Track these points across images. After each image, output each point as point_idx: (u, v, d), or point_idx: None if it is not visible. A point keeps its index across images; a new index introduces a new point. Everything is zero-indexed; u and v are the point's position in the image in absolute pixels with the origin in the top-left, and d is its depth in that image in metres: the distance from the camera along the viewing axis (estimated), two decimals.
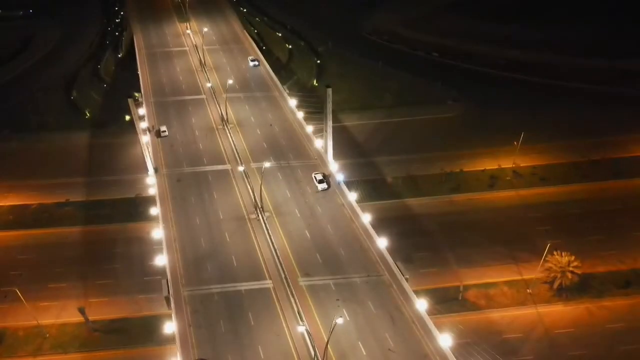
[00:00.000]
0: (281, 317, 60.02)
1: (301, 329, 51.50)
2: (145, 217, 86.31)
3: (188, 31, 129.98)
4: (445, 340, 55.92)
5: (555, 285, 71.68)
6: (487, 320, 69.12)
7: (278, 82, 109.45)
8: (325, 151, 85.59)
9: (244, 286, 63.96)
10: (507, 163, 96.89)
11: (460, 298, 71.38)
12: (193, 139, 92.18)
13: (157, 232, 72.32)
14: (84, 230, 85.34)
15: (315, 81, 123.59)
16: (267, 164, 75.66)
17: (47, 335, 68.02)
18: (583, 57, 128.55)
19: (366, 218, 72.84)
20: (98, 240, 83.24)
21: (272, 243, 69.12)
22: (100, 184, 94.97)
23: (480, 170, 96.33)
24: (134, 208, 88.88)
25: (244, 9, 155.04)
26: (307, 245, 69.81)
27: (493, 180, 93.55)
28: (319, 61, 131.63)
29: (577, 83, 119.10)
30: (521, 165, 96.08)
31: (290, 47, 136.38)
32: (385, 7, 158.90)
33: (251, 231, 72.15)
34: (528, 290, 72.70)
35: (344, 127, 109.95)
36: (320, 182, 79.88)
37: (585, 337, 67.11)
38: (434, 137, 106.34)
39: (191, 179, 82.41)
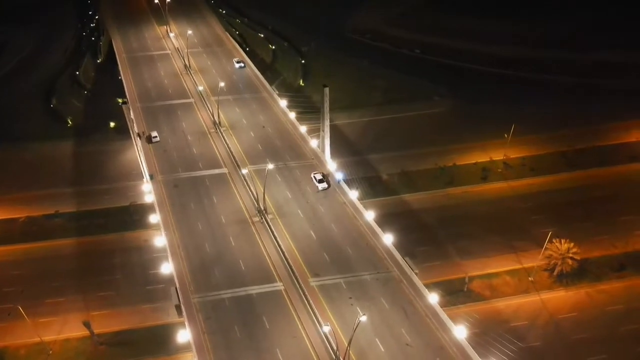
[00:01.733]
0: (296, 318, 59.77)
1: (326, 329, 51.43)
2: (142, 225, 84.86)
3: (172, 34, 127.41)
4: (459, 331, 56.93)
5: (556, 272, 73.85)
6: (493, 309, 70.66)
7: (267, 83, 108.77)
8: (323, 150, 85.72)
9: (254, 290, 63.39)
10: (497, 155, 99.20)
11: (465, 289, 72.71)
12: (186, 144, 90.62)
13: (160, 240, 70.91)
14: (78, 241, 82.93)
15: (301, 81, 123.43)
16: (270, 166, 75.09)
17: (51, 351, 65.88)
18: (564, 51, 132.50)
19: (369, 215, 73.37)
20: (94, 251, 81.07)
21: (279, 245, 68.83)
22: (90, 193, 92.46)
23: (472, 164, 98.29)
24: (129, 216, 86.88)
25: (222, 11, 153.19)
26: (313, 246, 69.71)
27: (485, 173, 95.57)
28: (303, 61, 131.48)
29: (559, 76, 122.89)
30: (511, 156, 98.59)
31: (273, 47, 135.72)
32: (366, 6, 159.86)
33: (256, 234, 71.54)
34: (530, 279, 74.67)
35: (335, 126, 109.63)
36: (320, 181, 79.87)
37: (588, 320, 69.45)
38: (424, 133, 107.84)
39: (188, 184, 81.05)
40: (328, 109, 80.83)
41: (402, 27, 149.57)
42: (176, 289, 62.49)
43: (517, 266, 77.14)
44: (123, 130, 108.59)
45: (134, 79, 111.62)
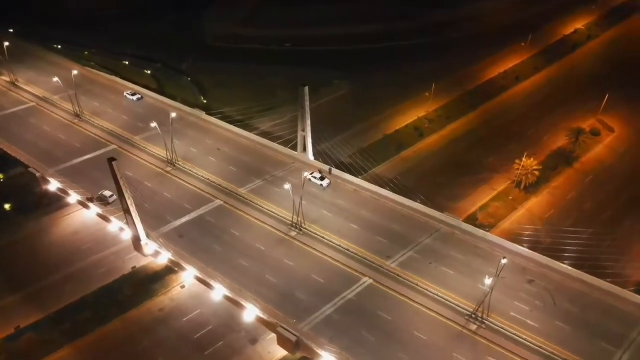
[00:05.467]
0: (406, 299, 61.22)
1: (488, 281, 54.43)
2: (145, 296, 72.06)
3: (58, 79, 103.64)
4: (523, 249, 66.82)
5: (522, 185, 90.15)
6: (504, 230, 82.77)
7: (186, 107, 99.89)
8: (304, 150, 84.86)
9: (349, 294, 62.03)
10: (417, 114, 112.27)
11: (477, 223, 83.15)
12: (150, 191, 78.60)
13: (216, 293, 62.23)
14: (74, 348, 65.79)
15: (202, 98, 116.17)
16: (306, 173, 72.74)
17: None
18: (401, 20, 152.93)
19: (384, 190, 77.60)
20: (106, 349, 65.81)
21: (339, 246, 67.90)
22: (45, 291, 73.18)
23: (403, 127, 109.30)
24: (121, 293, 72.23)
25: (58, 46, 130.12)
26: (363, 235, 70.61)
27: (419, 131, 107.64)
28: (189, 78, 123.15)
29: (412, 40, 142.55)
30: (429, 110, 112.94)
31: (149, 72, 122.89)
32: (210, 15, 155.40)
33: (304, 246, 68.80)
34: (510, 197, 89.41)
35: (263, 133, 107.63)
36: (322, 179, 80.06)
37: (563, 211, 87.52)
38: (347, 114, 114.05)
39: (192, 229, 71.77)
40: (308, 108, 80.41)
41: (256, 27, 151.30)
42: (282, 327, 56.94)
43: (494, 192, 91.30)
44: (28, 208, 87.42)
45: (15, 144, 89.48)
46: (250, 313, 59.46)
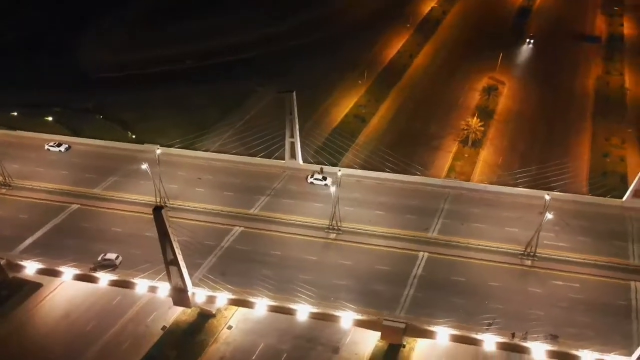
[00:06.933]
0: (465, 259, 67.02)
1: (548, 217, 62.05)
2: (200, 348, 64.86)
3: None
4: (521, 190, 78.03)
5: (470, 142, 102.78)
6: (477, 180, 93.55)
7: (134, 145, 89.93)
8: (293, 156, 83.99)
9: (417, 270, 65.47)
10: (349, 102, 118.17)
11: (454, 178, 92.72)
12: (157, 241, 69.88)
13: (301, 314, 59.50)
14: None
15: (130, 134, 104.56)
16: (338, 174, 72.06)
17: None
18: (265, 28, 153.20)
19: (384, 173, 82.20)
20: None
21: (383, 233, 70.46)
22: None
23: (344, 117, 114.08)
24: (173, 353, 63.94)
25: None
26: (392, 217, 74.35)
27: (360, 118, 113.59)
28: (102, 116, 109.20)
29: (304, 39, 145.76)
30: (359, 97, 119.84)
31: (50, 118, 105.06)
32: (87, 44, 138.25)
33: (351, 244, 70.04)
34: (466, 155, 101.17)
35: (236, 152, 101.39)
36: (324, 179, 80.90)
37: (508, 156, 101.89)
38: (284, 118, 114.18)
39: (230, 263, 67.08)
40: (296, 114, 79.75)
41: (142, 49, 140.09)
42: (388, 319, 57.81)
43: (450, 154, 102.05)
44: None
45: None
46: (347, 320, 58.81)
